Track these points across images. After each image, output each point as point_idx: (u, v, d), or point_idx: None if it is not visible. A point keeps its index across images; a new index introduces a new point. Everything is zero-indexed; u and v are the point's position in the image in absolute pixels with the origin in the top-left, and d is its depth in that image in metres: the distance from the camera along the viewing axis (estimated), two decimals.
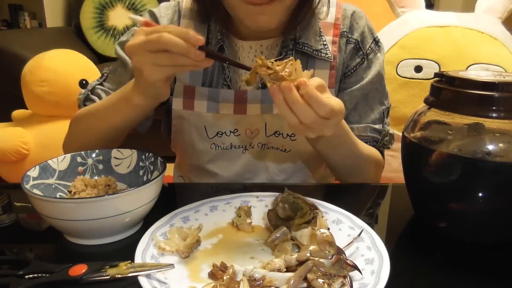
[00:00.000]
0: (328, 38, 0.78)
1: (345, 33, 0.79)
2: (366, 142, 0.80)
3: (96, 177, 0.67)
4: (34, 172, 0.60)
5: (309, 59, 0.77)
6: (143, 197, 0.56)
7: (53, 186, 0.63)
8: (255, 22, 0.68)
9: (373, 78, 0.80)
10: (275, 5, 0.66)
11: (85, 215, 0.52)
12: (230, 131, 0.78)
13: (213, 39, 0.78)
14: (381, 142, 0.81)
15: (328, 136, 0.56)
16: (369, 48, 0.80)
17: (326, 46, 0.77)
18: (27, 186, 0.57)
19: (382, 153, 0.84)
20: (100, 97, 0.79)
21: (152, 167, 0.66)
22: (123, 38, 0.82)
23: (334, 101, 0.53)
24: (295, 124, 0.53)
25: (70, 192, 0.63)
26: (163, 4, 0.82)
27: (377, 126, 0.81)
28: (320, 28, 0.77)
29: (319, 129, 0.54)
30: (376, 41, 0.82)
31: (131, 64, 0.59)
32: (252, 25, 0.69)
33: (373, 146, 0.81)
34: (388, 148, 0.85)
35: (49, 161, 0.63)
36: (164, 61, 0.56)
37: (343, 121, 0.67)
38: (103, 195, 0.56)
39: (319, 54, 0.76)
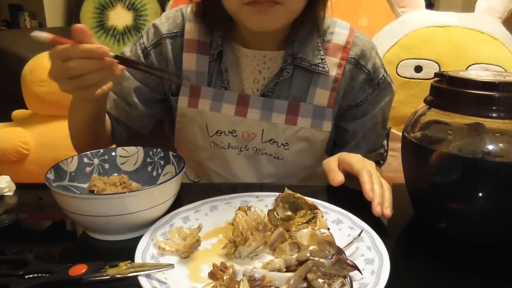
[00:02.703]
0: (334, 60, 0.78)
1: (353, 60, 0.79)
2: None
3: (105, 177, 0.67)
4: (51, 175, 0.60)
5: (312, 75, 0.79)
6: (172, 190, 0.58)
7: (68, 188, 0.63)
8: (257, 23, 0.69)
9: (384, 108, 0.83)
10: (277, 8, 0.67)
11: (124, 209, 0.53)
12: (229, 131, 0.81)
13: (215, 42, 0.79)
14: (383, 160, 0.87)
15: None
16: (381, 79, 0.81)
17: (324, 61, 0.78)
18: (54, 186, 0.56)
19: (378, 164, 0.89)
20: None
21: (162, 162, 0.68)
22: (125, 50, 0.85)
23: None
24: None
25: (92, 191, 0.63)
26: (165, 13, 0.85)
27: (381, 150, 0.86)
28: (319, 43, 0.78)
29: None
30: (386, 74, 0.82)
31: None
32: (254, 26, 0.70)
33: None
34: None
35: (60, 163, 0.63)
36: (86, 83, 0.60)
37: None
38: (138, 190, 0.56)
39: (317, 68, 0.77)
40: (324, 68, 0.78)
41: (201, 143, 0.84)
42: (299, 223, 0.56)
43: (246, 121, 0.80)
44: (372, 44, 0.82)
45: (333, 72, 0.78)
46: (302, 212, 0.58)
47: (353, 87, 0.80)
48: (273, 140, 0.81)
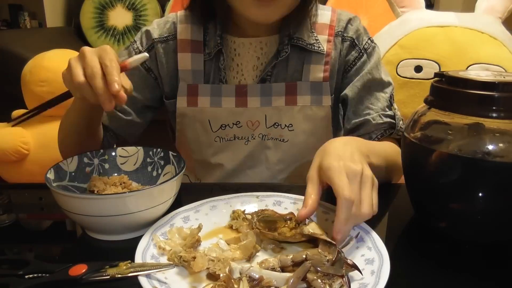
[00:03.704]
0: (323, 37, 0.84)
1: (340, 33, 0.84)
2: (384, 131, 0.82)
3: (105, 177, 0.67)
4: (51, 175, 0.60)
5: (305, 54, 0.83)
6: (172, 190, 0.58)
7: (68, 188, 0.63)
8: (256, 15, 0.72)
9: (372, 69, 0.83)
10: (278, 1, 0.71)
11: (124, 209, 0.53)
12: (233, 123, 0.83)
13: (211, 41, 0.82)
14: (398, 126, 0.83)
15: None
16: (366, 44, 0.85)
17: (318, 41, 0.83)
18: (54, 186, 0.56)
19: (399, 142, 0.84)
20: None
21: (162, 162, 0.68)
22: (123, 53, 0.86)
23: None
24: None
25: (92, 191, 0.63)
26: (156, 20, 0.88)
27: (389, 112, 0.83)
28: (311, 26, 0.83)
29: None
30: (371, 40, 0.86)
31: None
32: (253, 17, 0.73)
33: (391, 133, 0.82)
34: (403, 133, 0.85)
35: (60, 163, 0.64)
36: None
37: (363, 146, 0.65)
38: (138, 190, 0.56)
39: (312, 48, 0.82)
40: (319, 47, 0.82)
41: (205, 140, 0.85)
42: (287, 232, 0.54)
43: (248, 111, 0.82)
44: (354, 16, 0.86)
45: (324, 47, 0.83)
46: (279, 224, 0.56)
47: (341, 55, 0.84)
48: (277, 124, 0.83)
